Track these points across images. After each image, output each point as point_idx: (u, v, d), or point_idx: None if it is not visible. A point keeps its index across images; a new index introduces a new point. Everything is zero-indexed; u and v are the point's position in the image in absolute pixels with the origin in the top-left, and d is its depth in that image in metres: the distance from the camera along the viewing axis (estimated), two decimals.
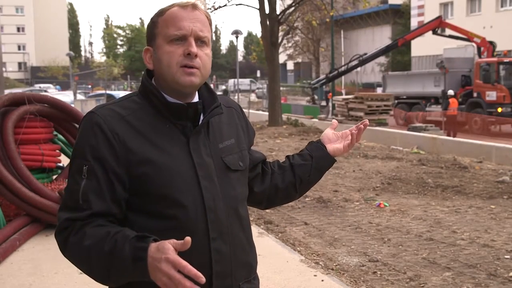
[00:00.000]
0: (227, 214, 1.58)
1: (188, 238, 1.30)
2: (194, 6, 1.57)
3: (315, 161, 1.87)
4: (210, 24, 1.62)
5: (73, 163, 1.53)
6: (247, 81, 50.49)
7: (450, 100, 19.17)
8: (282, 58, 42.99)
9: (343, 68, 24.89)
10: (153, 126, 1.54)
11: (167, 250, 1.30)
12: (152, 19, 1.62)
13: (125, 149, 1.49)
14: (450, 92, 19.87)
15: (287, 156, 1.94)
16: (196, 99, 1.63)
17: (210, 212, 1.54)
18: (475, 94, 21.44)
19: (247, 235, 1.67)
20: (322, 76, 28.09)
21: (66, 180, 1.59)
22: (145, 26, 1.86)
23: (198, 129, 1.58)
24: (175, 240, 1.33)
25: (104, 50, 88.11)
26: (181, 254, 1.33)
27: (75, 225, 1.47)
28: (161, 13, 1.59)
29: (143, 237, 1.38)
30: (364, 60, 24.06)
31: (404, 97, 24.54)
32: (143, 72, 1.66)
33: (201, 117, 1.60)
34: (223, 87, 46.23)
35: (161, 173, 1.50)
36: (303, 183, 1.87)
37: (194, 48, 1.54)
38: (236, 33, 25.23)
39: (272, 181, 1.86)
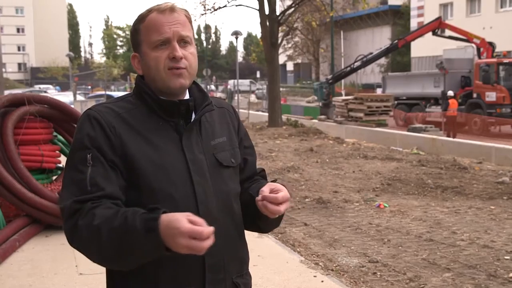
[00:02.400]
0: (219, 208, 1.60)
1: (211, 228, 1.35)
2: (172, 9, 1.59)
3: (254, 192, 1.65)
4: (191, 22, 1.65)
5: (73, 156, 1.54)
6: (247, 82, 50.48)
7: (450, 101, 19.19)
8: (281, 59, 42.97)
9: (348, 69, 24.94)
10: (147, 123, 1.58)
11: (179, 223, 1.33)
12: (134, 26, 1.64)
13: (121, 142, 1.53)
14: (450, 93, 19.89)
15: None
16: (187, 97, 1.66)
17: (202, 206, 1.56)
18: (474, 95, 21.45)
19: (239, 230, 1.69)
20: (329, 76, 28.10)
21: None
22: None
23: (190, 127, 1.61)
24: (190, 216, 1.35)
25: (104, 51, 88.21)
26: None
27: (84, 207, 1.44)
28: (141, 19, 1.62)
29: (153, 209, 1.40)
30: (365, 62, 24.08)
31: (404, 98, 24.54)
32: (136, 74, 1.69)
33: (193, 115, 1.63)
34: (229, 86, 45.68)
35: (155, 168, 1.53)
36: (245, 211, 1.70)
37: (179, 52, 1.57)
38: (236, 34, 25.23)
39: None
